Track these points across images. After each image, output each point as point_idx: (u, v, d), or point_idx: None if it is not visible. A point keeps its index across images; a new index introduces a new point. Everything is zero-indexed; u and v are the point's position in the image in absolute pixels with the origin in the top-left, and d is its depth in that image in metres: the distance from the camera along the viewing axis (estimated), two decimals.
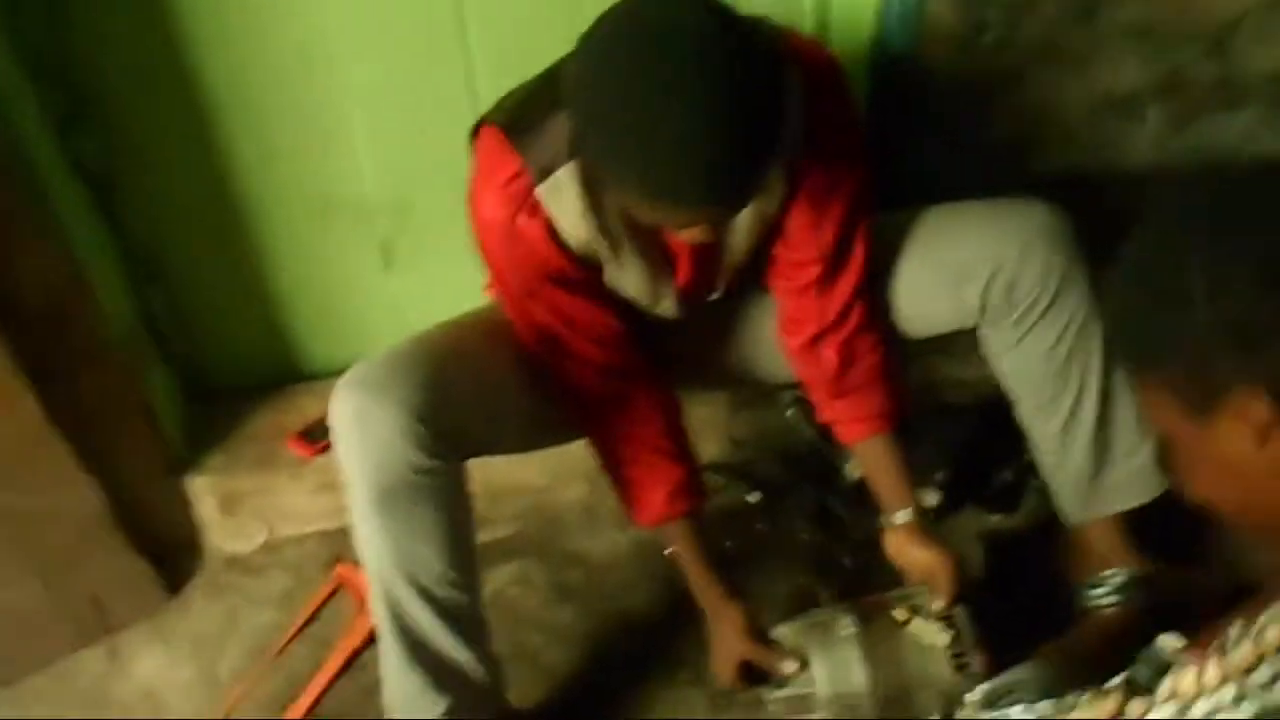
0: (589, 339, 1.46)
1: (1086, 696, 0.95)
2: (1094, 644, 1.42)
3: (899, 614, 1.58)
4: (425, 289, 2.03)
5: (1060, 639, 1.43)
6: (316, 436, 1.99)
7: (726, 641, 1.61)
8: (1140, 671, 0.93)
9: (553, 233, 1.34)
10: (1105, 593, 1.57)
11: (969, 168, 1.74)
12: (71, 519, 1.76)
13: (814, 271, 1.47)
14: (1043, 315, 1.52)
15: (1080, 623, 1.59)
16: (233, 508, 1.99)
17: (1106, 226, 1.64)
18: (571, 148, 1.27)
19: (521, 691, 1.72)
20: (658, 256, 1.42)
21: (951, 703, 1.50)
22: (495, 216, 1.34)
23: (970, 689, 1.48)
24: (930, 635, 1.54)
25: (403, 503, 1.35)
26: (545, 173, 1.29)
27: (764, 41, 1.11)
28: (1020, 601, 1.80)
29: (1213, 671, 0.82)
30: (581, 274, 1.40)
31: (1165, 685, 0.86)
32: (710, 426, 2.07)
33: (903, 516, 1.59)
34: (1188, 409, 0.85)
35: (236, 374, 2.10)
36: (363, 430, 1.33)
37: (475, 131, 1.38)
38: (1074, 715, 0.94)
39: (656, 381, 1.57)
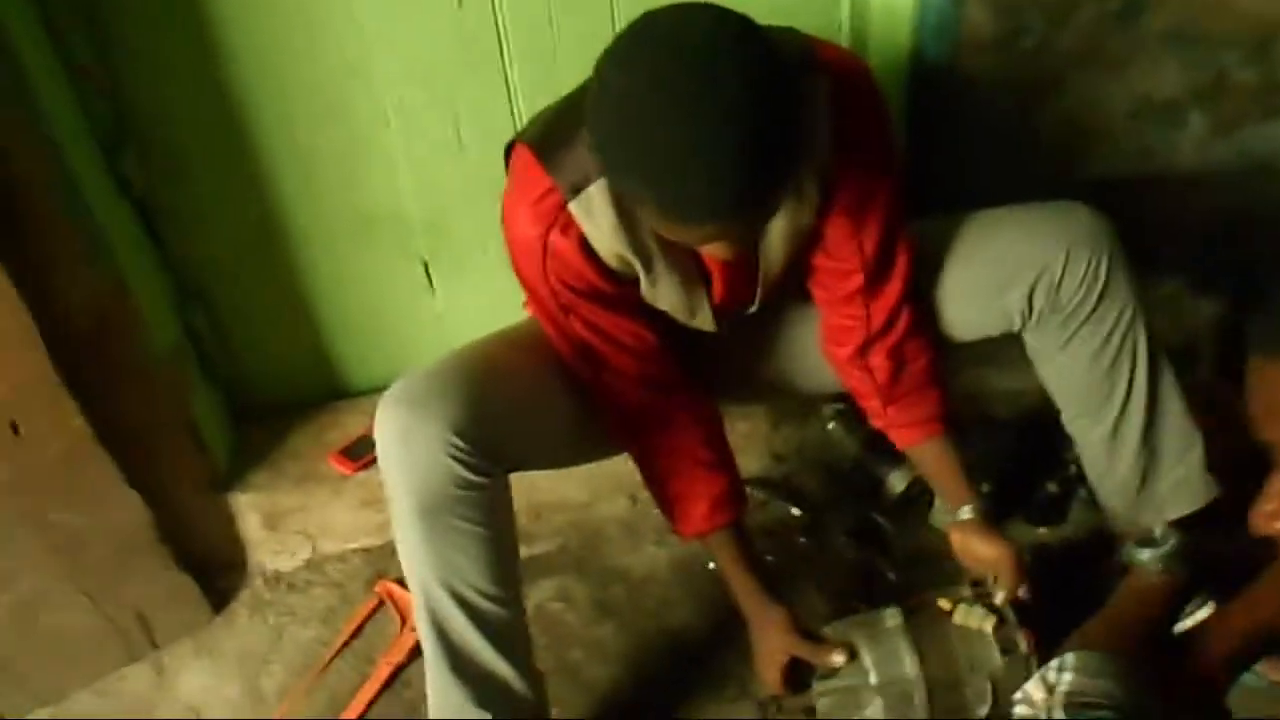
0: (626, 352, 1.46)
1: None
2: (1135, 614, 1.33)
3: (943, 603, 1.57)
4: (467, 306, 2.04)
5: (1100, 613, 1.34)
6: (359, 453, 2.00)
7: (770, 642, 1.58)
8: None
9: (586, 248, 1.34)
10: (1156, 557, 1.42)
11: (1010, 174, 1.73)
12: (117, 535, 1.78)
13: (857, 280, 1.47)
14: (1088, 319, 1.51)
15: (1120, 588, 1.45)
16: (276, 524, 2.00)
17: (1149, 231, 1.64)
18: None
19: (564, 707, 1.71)
20: (692, 271, 1.42)
21: (999, 686, 1.49)
22: (528, 234, 1.34)
23: (1017, 673, 1.48)
24: (975, 620, 1.53)
25: (446, 517, 1.35)
26: (576, 189, 1.30)
27: (783, 52, 1.11)
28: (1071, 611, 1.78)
29: None
30: (616, 288, 1.40)
31: None
32: (752, 441, 2.06)
33: (966, 513, 1.58)
34: None
35: (280, 391, 2.11)
36: (407, 446, 1.33)
37: (509, 150, 1.39)
38: None
39: (696, 393, 1.56)
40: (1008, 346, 1.87)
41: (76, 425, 1.64)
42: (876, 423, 1.63)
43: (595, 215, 1.31)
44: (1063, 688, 1.01)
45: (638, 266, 1.37)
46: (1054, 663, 1.06)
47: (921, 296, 1.53)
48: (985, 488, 1.90)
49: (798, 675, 1.58)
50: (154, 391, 1.77)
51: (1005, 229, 1.53)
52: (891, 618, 1.55)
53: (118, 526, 1.77)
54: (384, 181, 1.88)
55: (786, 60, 1.10)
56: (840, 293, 1.50)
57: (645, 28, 1.10)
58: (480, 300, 2.03)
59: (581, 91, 1.29)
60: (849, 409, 1.98)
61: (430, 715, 1.47)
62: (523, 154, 1.33)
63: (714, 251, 1.23)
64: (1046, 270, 1.49)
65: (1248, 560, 1.27)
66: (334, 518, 2.01)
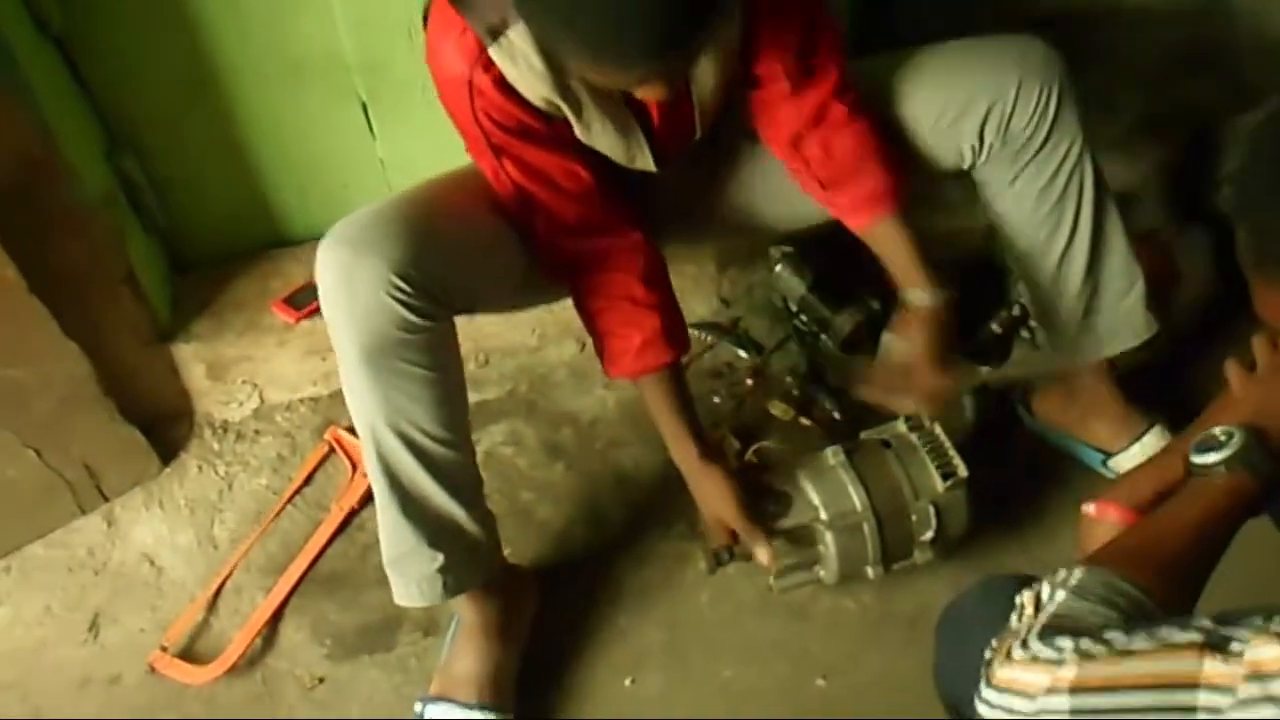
0: (562, 194, 1.43)
1: (1148, 643, 0.78)
2: (1176, 533, 0.99)
3: (878, 438, 1.62)
4: (409, 149, 2.00)
5: (1136, 526, 1.05)
6: (302, 301, 1.97)
7: (710, 506, 1.58)
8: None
9: (510, 89, 1.31)
10: (1220, 459, 1.01)
11: (958, 10, 1.70)
12: (59, 388, 1.76)
13: (784, 84, 1.44)
14: (1037, 153, 1.50)
15: (1169, 501, 1.06)
16: (221, 374, 1.98)
17: (1098, 71, 1.62)
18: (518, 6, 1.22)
19: (516, 548, 1.74)
20: (625, 111, 1.38)
21: (941, 510, 1.55)
22: (452, 74, 1.31)
23: (958, 497, 1.55)
24: (910, 449, 1.58)
25: (390, 360, 1.34)
26: (495, 33, 1.25)
27: None
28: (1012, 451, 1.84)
29: None
30: (548, 126, 1.36)
31: (1247, 654, 0.72)
32: (699, 285, 2.06)
33: (916, 297, 1.53)
34: None
35: (220, 240, 2.08)
36: (349, 288, 1.31)
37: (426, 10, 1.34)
38: (1135, 668, 0.77)
39: (634, 231, 1.51)
40: (948, 188, 1.88)
41: (9, 276, 1.61)
42: (830, 211, 1.57)
43: (517, 59, 1.27)
44: (1051, 607, 0.89)
45: (567, 111, 1.34)
46: (1059, 575, 0.93)
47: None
48: None
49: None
50: (88, 241, 1.73)
51: (955, 63, 1.51)
52: (833, 455, 1.59)
53: (59, 379, 1.75)
54: (318, 19, 1.80)
55: None
56: (770, 94, 1.47)
57: None
58: (422, 143, 1.98)
59: None
60: (796, 252, 1.99)
61: (384, 557, 1.49)
62: (440, 7, 1.29)
63: (648, 93, 1.20)
64: (998, 102, 1.47)
65: None
66: (280, 367, 2.00)
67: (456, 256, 1.38)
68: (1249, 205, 0.87)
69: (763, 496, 1.58)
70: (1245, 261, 0.88)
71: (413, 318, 1.32)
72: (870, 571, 1.57)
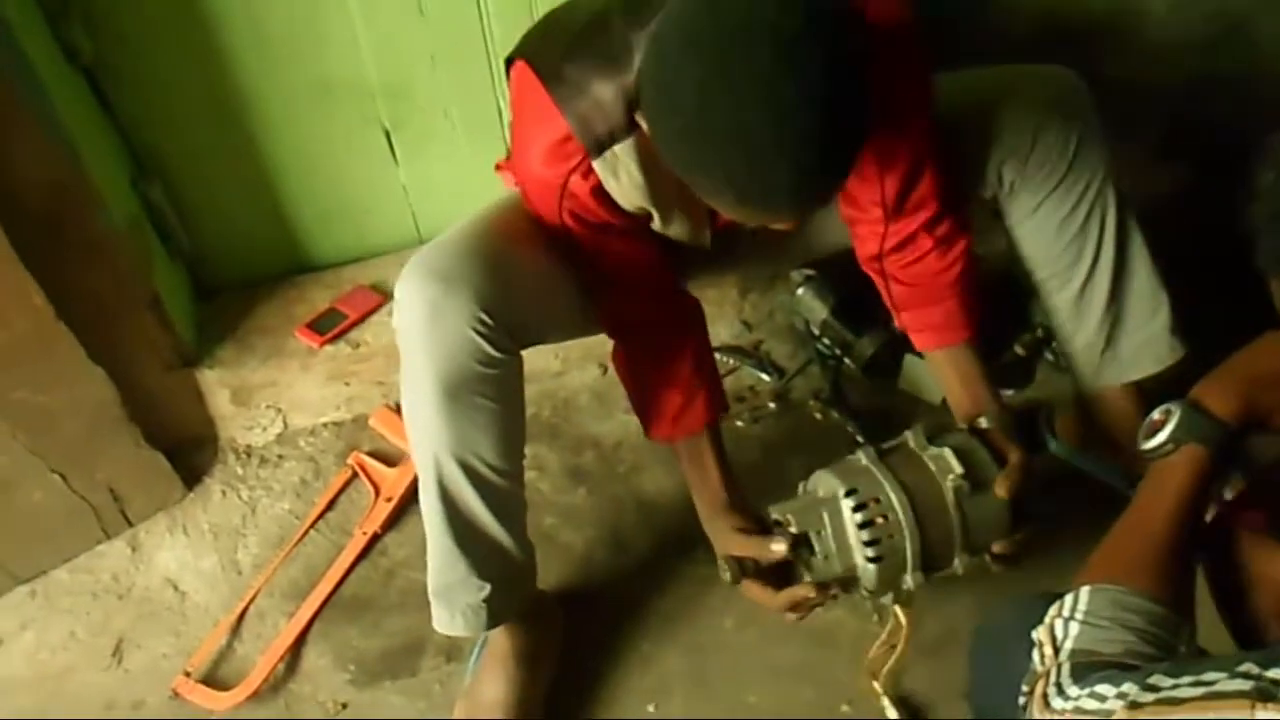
0: (627, 269, 1.45)
1: (1196, 690, 0.77)
2: (1150, 525, 1.02)
3: (912, 443, 1.48)
4: (431, 177, 2.02)
5: (1112, 533, 1.08)
6: (326, 326, 1.99)
7: (720, 544, 1.57)
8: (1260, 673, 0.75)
9: (602, 195, 1.32)
10: (1166, 438, 1.06)
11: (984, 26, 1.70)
12: (85, 413, 1.77)
13: (877, 213, 1.44)
14: (1060, 182, 1.50)
15: (1133, 500, 1.11)
16: (245, 400, 1.99)
17: (1117, 93, 1.62)
18: (628, 121, 1.22)
19: (539, 574, 1.73)
20: (703, 208, 1.39)
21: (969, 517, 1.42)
22: (545, 175, 1.32)
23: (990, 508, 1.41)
24: (945, 458, 1.43)
25: (467, 394, 1.33)
26: (600, 145, 1.25)
27: (844, 22, 1.06)
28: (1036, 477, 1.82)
29: None
30: (629, 224, 1.38)
31: None
32: (721, 308, 2.06)
33: (983, 422, 1.50)
34: None
35: (244, 266, 2.09)
36: (435, 321, 1.30)
37: (510, 63, 1.34)
38: (1184, 718, 0.76)
39: (689, 300, 1.57)
40: (976, 210, 1.87)
41: (36, 302, 1.61)
42: (896, 323, 1.60)
43: (619, 174, 1.28)
44: (1069, 644, 0.89)
45: (655, 214, 1.36)
46: (1065, 604, 0.93)
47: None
48: None
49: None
50: (114, 267, 1.74)
51: (975, 96, 1.50)
52: (865, 456, 1.45)
53: (85, 404, 1.76)
54: (343, 46, 1.82)
55: (849, 33, 1.06)
56: (863, 218, 1.48)
57: (708, 6, 1.04)
58: (445, 170, 1.99)
59: (593, 27, 1.23)
60: (818, 275, 1.99)
61: (430, 586, 1.49)
62: (534, 88, 1.26)
63: (776, 226, 1.19)
64: (1018, 142, 1.47)
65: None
66: (304, 392, 2.01)
67: (530, 291, 1.39)
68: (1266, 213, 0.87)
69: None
70: (1267, 269, 0.89)
71: (493, 352, 1.32)
72: (910, 579, 1.41)
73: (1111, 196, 1.53)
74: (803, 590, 1.44)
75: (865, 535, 1.38)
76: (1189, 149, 2.05)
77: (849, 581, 1.44)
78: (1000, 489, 1.40)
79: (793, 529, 1.42)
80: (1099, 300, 1.59)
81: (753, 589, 1.49)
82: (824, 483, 1.45)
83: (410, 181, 2.02)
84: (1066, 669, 0.85)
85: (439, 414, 1.34)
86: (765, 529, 1.50)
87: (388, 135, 1.95)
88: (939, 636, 1.66)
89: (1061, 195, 1.51)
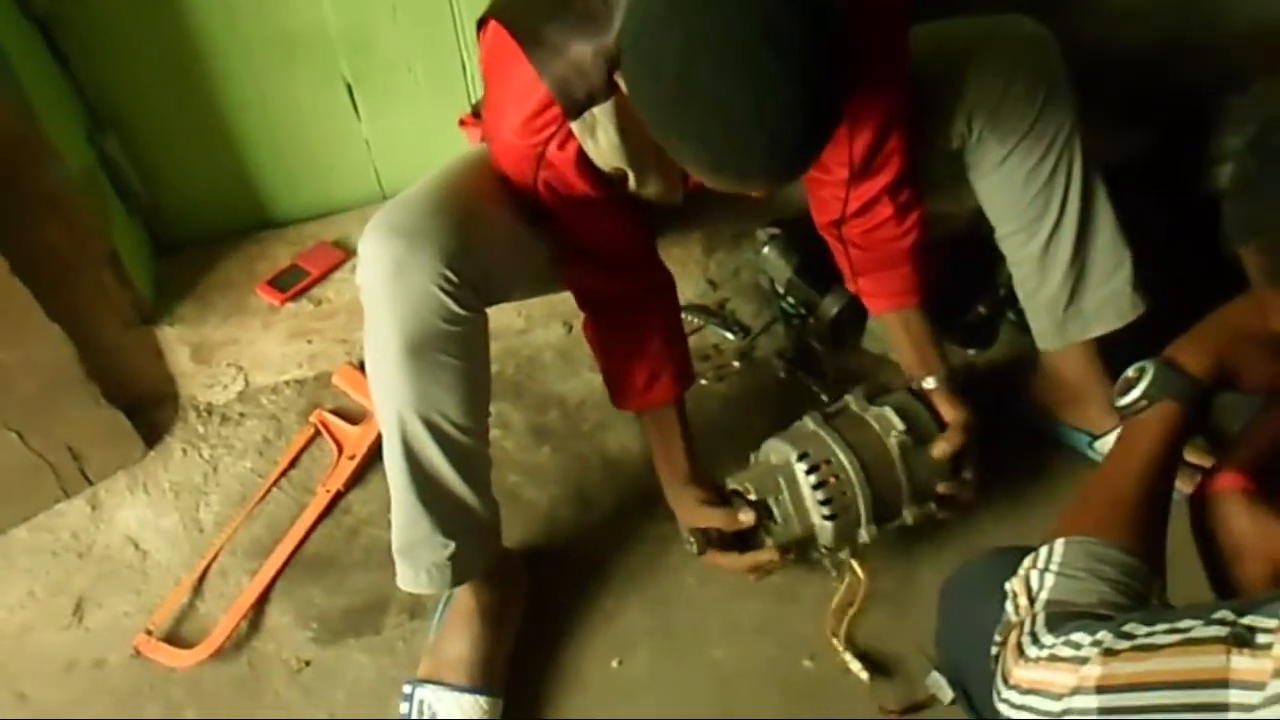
0: (600, 242, 1.46)
1: (1172, 637, 0.77)
2: (1124, 476, 1.03)
3: (854, 405, 1.57)
4: (394, 132, 1.99)
5: (1088, 482, 1.06)
6: (288, 283, 1.97)
7: (683, 515, 1.61)
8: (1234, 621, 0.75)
9: (582, 160, 1.31)
10: (1140, 394, 1.06)
11: None
12: (42, 370, 1.74)
13: (842, 174, 1.44)
14: (1027, 134, 1.50)
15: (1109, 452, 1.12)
16: (206, 357, 1.97)
17: (1084, 56, 1.62)
18: (608, 82, 1.21)
19: (504, 531, 1.73)
20: (678, 168, 1.38)
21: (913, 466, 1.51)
22: (520, 143, 1.31)
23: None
24: (886, 416, 1.53)
25: (431, 352, 1.33)
26: (579, 107, 1.25)
27: None
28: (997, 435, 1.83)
29: None
30: (605, 193, 1.38)
31: (1276, 647, 0.72)
32: (686, 267, 2.06)
33: (930, 382, 1.57)
34: None
35: (204, 222, 2.06)
36: (399, 279, 1.29)
37: (482, 23, 1.32)
38: (1162, 665, 0.76)
39: (662, 275, 1.58)
40: (941, 170, 1.87)
41: None
42: (850, 285, 1.64)
43: (597, 135, 1.27)
44: (1044, 594, 0.90)
45: (630, 174, 1.35)
46: (1040, 556, 0.94)
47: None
48: None
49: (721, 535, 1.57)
50: (70, 222, 1.71)
51: (946, 46, 1.50)
52: (812, 421, 1.55)
53: (42, 361, 1.74)
54: None
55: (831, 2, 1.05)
56: (826, 180, 1.48)
57: None
58: (408, 125, 1.97)
59: None
60: (783, 234, 1.98)
61: (394, 544, 1.49)
62: (511, 51, 1.25)
63: (750, 192, 1.19)
64: (987, 91, 1.47)
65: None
66: (265, 349, 1.99)
67: (498, 248, 1.38)
68: (1260, 223, 0.87)
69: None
70: (1235, 238, 0.89)
71: (458, 309, 1.31)
72: (864, 533, 1.51)
73: (1078, 149, 1.54)
74: (765, 554, 1.52)
75: (820, 495, 1.48)
76: (1153, 111, 2.06)
77: (806, 542, 1.53)
78: (938, 450, 1.51)
79: (751, 496, 1.51)
80: (1064, 254, 1.60)
81: (717, 558, 1.55)
82: (776, 450, 1.55)
83: (373, 136, 1.99)
84: (1041, 618, 0.86)
85: (403, 371, 1.34)
86: (725, 499, 1.55)
87: (349, 89, 1.92)
88: (897, 590, 1.68)
89: (1029, 146, 1.52)
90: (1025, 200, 1.56)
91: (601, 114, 1.25)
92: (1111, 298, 1.64)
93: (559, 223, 1.42)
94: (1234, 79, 1.94)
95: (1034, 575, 0.92)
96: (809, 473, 1.49)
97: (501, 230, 1.40)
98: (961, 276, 1.99)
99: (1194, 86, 2.02)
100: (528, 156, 1.33)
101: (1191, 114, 2.00)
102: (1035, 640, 0.84)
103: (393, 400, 1.37)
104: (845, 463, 1.49)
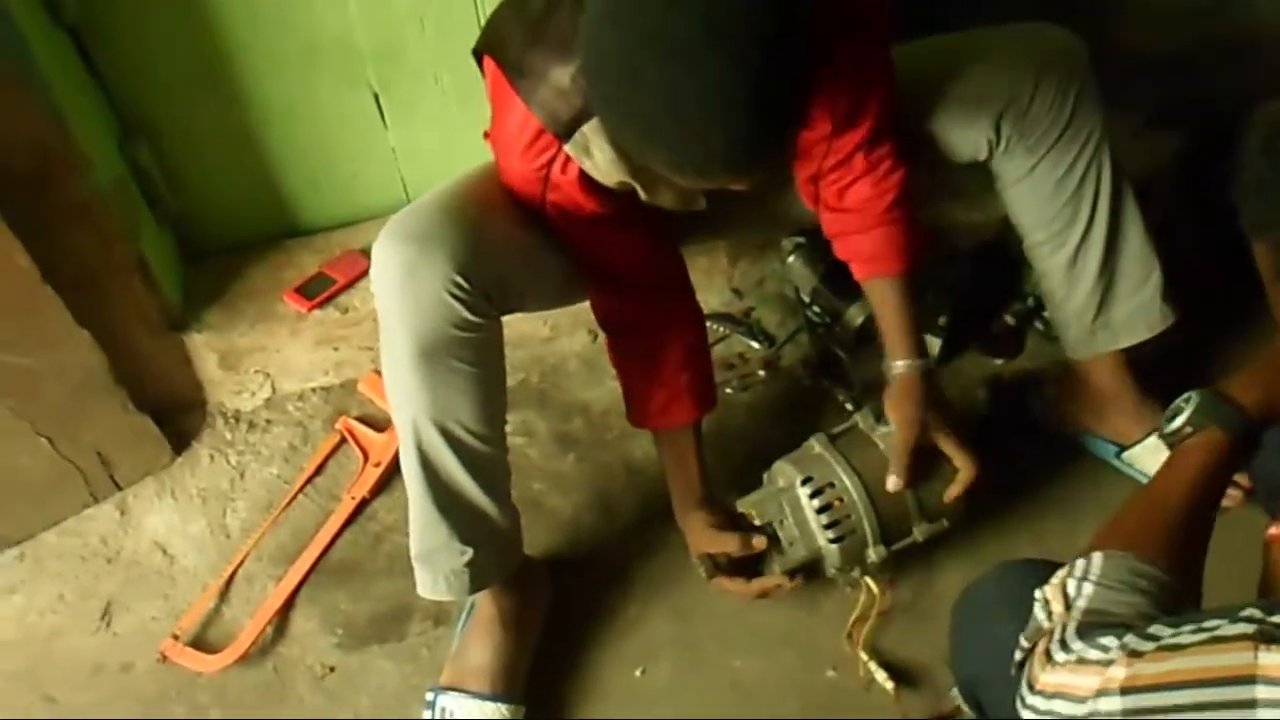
0: (618, 263, 1.47)
1: (1197, 636, 0.77)
2: (1169, 499, 1.01)
3: (861, 424, 1.58)
4: (420, 140, 2.00)
5: (1130, 501, 1.05)
6: (314, 291, 1.98)
7: (693, 537, 1.62)
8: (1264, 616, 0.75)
9: (586, 180, 1.32)
10: (1185, 420, 1.06)
11: None
12: (71, 376, 1.76)
13: (825, 128, 1.43)
14: (1056, 142, 1.50)
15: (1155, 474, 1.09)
16: (234, 364, 1.99)
17: (1114, 63, 1.61)
18: (589, 100, 1.21)
19: (527, 539, 1.72)
20: None
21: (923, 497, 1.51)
22: (525, 170, 1.32)
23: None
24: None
25: (444, 358, 1.34)
26: (568, 129, 1.25)
27: None
28: (1026, 444, 1.82)
29: None
30: (616, 210, 1.37)
31: None
32: (711, 277, 2.06)
33: (898, 368, 1.54)
34: None
35: (232, 230, 2.07)
36: (410, 284, 1.30)
37: (478, 55, 1.34)
38: (1187, 664, 0.76)
39: (684, 301, 1.58)
40: (965, 179, 1.87)
41: (21, 264, 1.61)
42: (835, 251, 1.61)
43: (593, 152, 1.28)
44: (1081, 603, 0.89)
45: (638, 187, 1.35)
46: (1077, 567, 0.93)
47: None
48: (942, 320, 1.92)
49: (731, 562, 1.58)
50: (100, 229, 1.73)
51: (973, 54, 1.50)
52: (818, 443, 1.56)
53: (71, 368, 1.76)
54: (332, 7, 1.80)
55: None
56: (811, 134, 1.46)
57: None
58: (434, 134, 1.98)
59: (544, 6, 1.23)
60: (808, 243, 1.98)
61: (412, 551, 1.49)
62: (501, 83, 1.28)
63: (732, 187, 1.19)
64: (1016, 99, 1.47)
65: None
66: (292, 356, 2.00)
67: (511, 256, 1.39)
68: (1267, 222, 0.86)
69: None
70: (1251, 232, 0.88)
71: (470, 316, 1.32)
72: (872, 553, 1.52)
73: (1107, 158, 1.53)
74: (773, 580, 1.54)
75: (824, 519, 1.50)
76: (1185, 118, 2.04)
77: (816, 564, 1.55)
78: (948, 495, 1.52)
79: (757, 521, 1.54)
80: (1093, 264, 1.59)
81: (725, 583, 1.57)
82: (783, 473, 1.57)
83: (399, 145, 2.00)
84: (1074, 626, 0.86)
85: (415, 377, 1.34)
86: (736, 523, 1.57)
87: (376, 98, 1.93)
88: (917, 599, 1.68)
89: (1058, 154, 1.51)
90: (1054, 210, 1.56)
91: (591, 131, 1.25)
92: (1141, 309, 1.63)
93: (575, 245, 1.42)
94: (1266, 87, 1.92)
95: (1071, 584, 0.92)
96: (813, 496, 1.51)
97: (516, 239, 1.40)
98: (989, 286, 1.98)
99: (1227, 94, 2.00)
100: (533, 181, 1.33)
101: (1224, 121, 1.99)
102: (1064, 646, 0.83)
103: (407, 407, 1.38)
104: (849, 485, 1.50)
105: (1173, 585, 0.91)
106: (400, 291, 1.30)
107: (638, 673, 1.65)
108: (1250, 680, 0.71)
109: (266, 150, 1.97)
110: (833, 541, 1.50)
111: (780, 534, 1.53)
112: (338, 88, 1.91)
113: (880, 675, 1.58)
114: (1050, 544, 1.70)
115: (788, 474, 1.55)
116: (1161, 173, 2.01)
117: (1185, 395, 1.06)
